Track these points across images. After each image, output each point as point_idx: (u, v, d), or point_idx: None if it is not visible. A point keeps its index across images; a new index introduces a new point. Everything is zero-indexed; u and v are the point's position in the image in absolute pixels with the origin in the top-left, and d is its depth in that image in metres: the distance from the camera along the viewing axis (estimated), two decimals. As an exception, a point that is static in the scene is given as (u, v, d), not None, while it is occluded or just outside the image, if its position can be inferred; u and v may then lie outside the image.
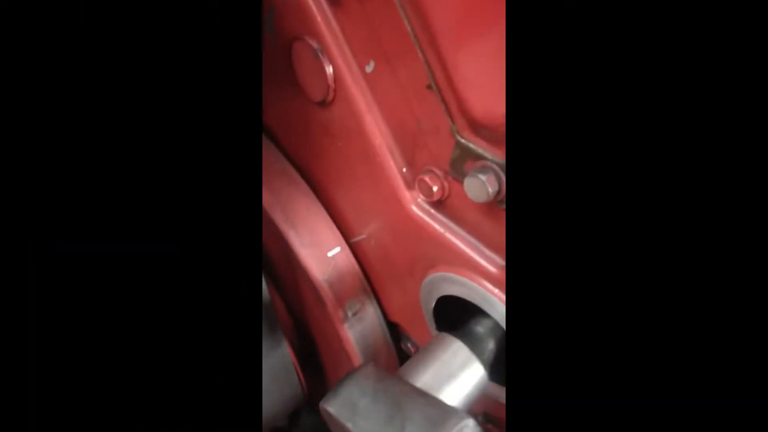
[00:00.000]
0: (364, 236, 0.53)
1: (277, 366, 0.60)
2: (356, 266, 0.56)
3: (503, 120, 0.35)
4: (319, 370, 0.68)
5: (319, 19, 0.41)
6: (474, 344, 0.41)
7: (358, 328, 0.56)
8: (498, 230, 0.39)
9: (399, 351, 0.61)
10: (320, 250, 0.55)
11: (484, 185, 0.37)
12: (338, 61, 0.42)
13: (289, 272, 0.59)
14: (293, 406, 0.68)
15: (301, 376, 0.65)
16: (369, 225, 0.52)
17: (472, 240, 0.42)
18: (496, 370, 0.41)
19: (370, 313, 0.57)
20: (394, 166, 0.43)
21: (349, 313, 0.56)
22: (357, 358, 0.57)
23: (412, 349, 0.59)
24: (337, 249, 0.56)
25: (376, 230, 0.51)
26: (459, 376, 0.40)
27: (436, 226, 0.44)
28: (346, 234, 0.56)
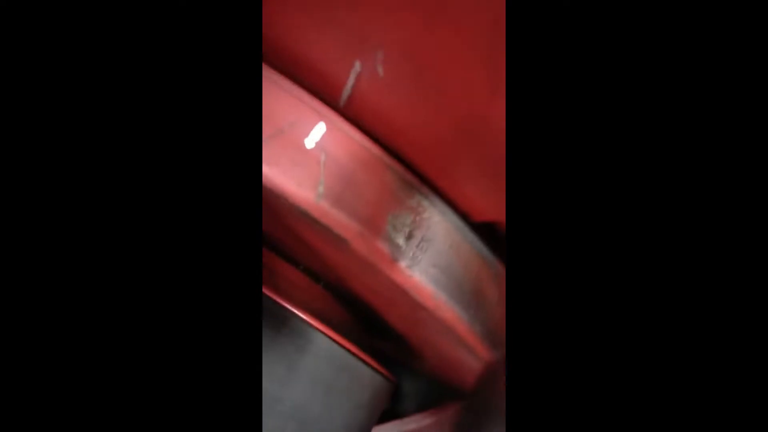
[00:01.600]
0: (358, 67, 0.24)
1: (335, 380, 0.35)
2: (372, 145, 0.27)
3: None
4: (394, 335, 0.42)
5: None
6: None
7: (426, 261, 0.29)
8: None
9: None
10: (289, 143, 0.26)
11: None
12: None
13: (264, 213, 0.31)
14: (385, 400, 0.44)
15: (372, 362, 0.40)
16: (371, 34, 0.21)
17: None
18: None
19: (439, 221, 0.29)
20: None
21: (400, 240, 0.28)
22: (447, 310, 0.30)
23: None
24: (321, 127, 0.27)
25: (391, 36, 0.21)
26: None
27: None
28: (330, 95, 0.27)
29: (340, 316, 0.43)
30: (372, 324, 0.43)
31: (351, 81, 0.24)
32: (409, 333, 0.41)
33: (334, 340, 0.36)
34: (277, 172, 0.26)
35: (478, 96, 0.21)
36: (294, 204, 0.26)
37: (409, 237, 0.28)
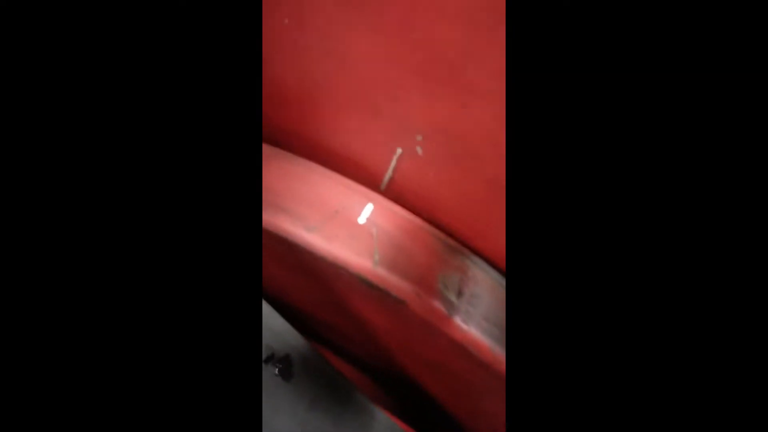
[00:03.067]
0: (400, 152, 0.28)
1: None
2: (415, 218, 0.31)
3: None
4: (438, 414, 0.42)
5: None
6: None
7: (478, 315, 0.31)
8: None
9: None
10: (343, 222, 0.30)
11: None
12: None
13: (318, 293, 0.34)
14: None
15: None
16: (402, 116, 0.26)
17: None
18: None
19: (483, 278, 0.31)
20: None
21: (452, 297, 0.30)
22: (501, 358, 0.31)
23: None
24: (369, 207, 0.31)
25: (426, 121, 0.26)
26: None
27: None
28: (372, 179, 0.31)
29: (388, 403, 0.43)
30: (417, 408, 0.42)
31: (393, 164, 0.29)
32: (456, 405, 0.41)
33: (392, 418, 0.36)
34: (337, 247, 0.29)
35: (502, 156, 0.25)
36: (354, 273, 0.29)
37: (460, 294, 0.30)
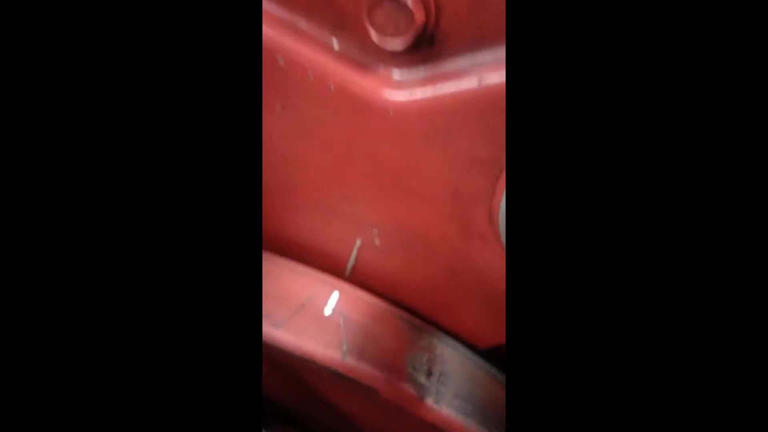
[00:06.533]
0: (359, 242, 0.30)
1: None
2: (379, 302, 0.32)
3: None
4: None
5: None
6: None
7: (450, 393, 0.31)
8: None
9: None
10: (311, 314, 0.31)
11: None
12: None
13: (292, 386, 0.34)
14: None
15: None
16: (356, 208, 0.28)
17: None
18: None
19: (451, 355, 0.32)
20: (326, 59, 0.21)
21: (422, 379, 0.31)
22: (480, 439, 0.31)
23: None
24: (335, 295, 0.32)
25: (381, 216, 0.28)
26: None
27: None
28: (336, 267, 0.33)
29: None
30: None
31: (354, 253, 0.30)
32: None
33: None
34: (305, 341, 0.29)
35: (456, 243, 0.27)
36: (324, 365, 0.29)
37: (429, 374, 0.31)
